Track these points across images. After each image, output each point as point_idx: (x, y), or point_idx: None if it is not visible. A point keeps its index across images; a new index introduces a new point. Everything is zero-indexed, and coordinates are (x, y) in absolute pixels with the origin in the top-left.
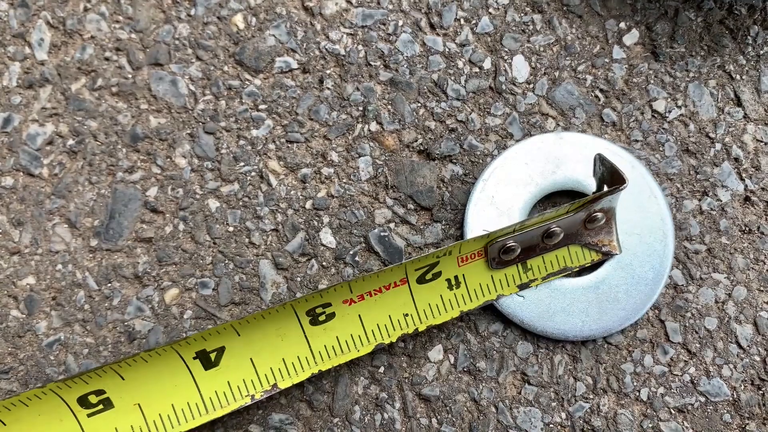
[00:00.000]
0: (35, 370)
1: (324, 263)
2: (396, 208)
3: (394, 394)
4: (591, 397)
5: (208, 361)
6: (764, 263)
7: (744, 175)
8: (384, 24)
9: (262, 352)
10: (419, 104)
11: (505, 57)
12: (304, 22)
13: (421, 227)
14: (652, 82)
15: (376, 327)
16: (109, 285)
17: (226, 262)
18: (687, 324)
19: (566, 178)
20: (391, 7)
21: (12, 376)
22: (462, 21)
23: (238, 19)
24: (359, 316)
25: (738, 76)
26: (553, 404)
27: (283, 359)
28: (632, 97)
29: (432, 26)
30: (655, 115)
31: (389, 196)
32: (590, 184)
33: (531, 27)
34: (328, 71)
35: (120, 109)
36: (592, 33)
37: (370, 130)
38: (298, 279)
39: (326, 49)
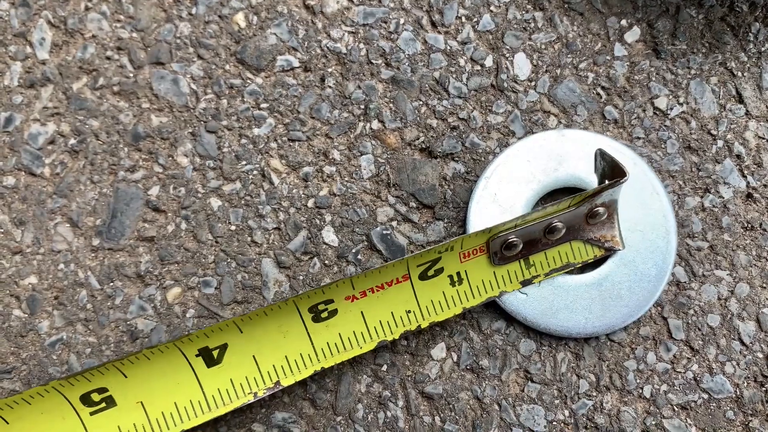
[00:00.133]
0: (38, 369)
1: (326, 262)
2: (398, 206)
3: (397, 392)
4: (594, 394)
5: (210, 358)
6: (767, 260)
7: (746, 171)
8: (385, 22)
9: (264, 349)
10: (421, 102)
11: (507, 55)
12: (306, 21)
13: (424, 225)
14: (653, 79)
15: (379, 324)
16: (112, 284)
17: (229, 260)
18: (690, 321)
19: (568, 176)
20: (392, 5)
21: (15, 376)
22: (463, 19)
23: (240, 18)
24: (362, 312)
25: (739, 73)
26: (556, 402)
27: (285, 356)
28: (634, 95)
29: (433, 24)
30: (657, 113)
31: (391, 195)
32: (592, 181)
33: (532, 24)
34: (329, 69)
35: (121, 108)
36: (593, 30)
37: (371, 129)
38: (301, 277)
39: (328, 48)
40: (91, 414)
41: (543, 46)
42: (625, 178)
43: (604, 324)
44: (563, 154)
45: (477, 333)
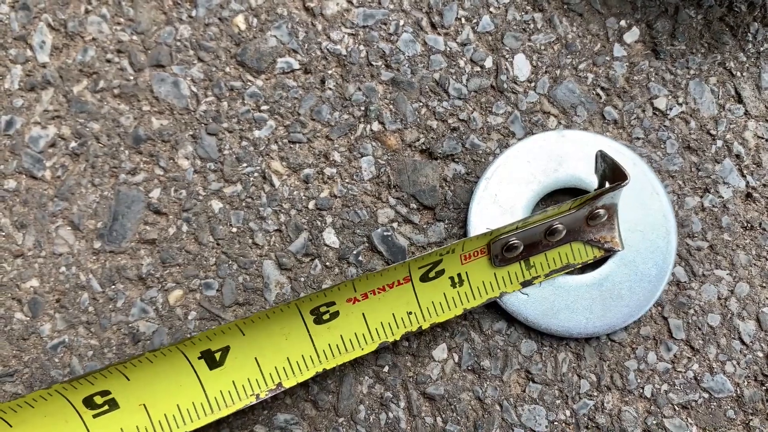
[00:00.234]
0: (40, 372)
1: (327, 263)
2: (399, 207)
3: (398, 394)
4: (595, 394)
5: (212, 360)
6: (766, 259)
7: (745, 171)
8: (385, 24)
9: (266, 351)
10: (421, 104)
11: (507, 56)
12: (306, 23)
13: (424, 226)
14: (653, 79)
15: (380, 325)
16: (113, 287)
17: (230, 263)
18: (690, 321)
19: (568, 176)
20: (392, 6)
21: (17, 379)
22: (463, 20)
23: (240, 20)
24: (363, 314)
25: (738, 73)
26: (558, 402)
27: (287, 358)
28: (633, 95)
29: (433, 26)
30: (657, 113)
31: (392, 196)
32: (592, 182)
33: (532, 26)
34: (329, 71)
35: (122, 111)
36: (592, 31)
37: (372, 130)
38: (302, 279)
39: (328, 50)
40: (94, 417)
41: (542, 47)
42: (627, 181)
43: (605, 324)
44: (563, 154)
45: (478, 334)
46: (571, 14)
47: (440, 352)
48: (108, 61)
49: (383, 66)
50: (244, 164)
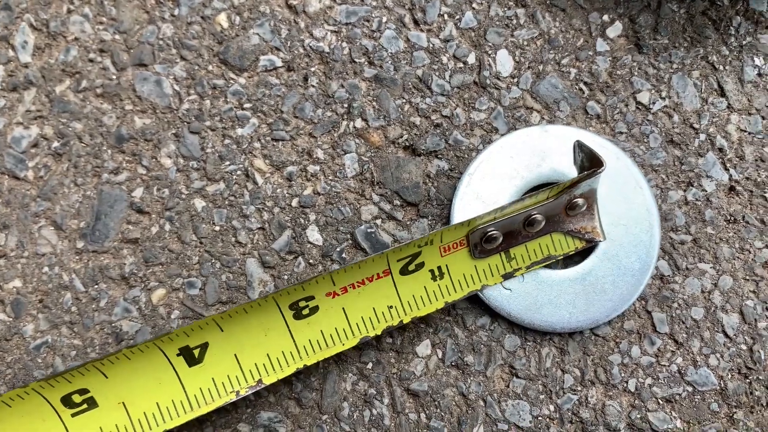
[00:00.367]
0: (23, 373)
1: (311, 261)
2: (382, 204)
3: (382, 390)
4: (579, 389)
5: (191, 357)
6: (749, 252)
7: (728, 165)
8: (368, 21)
9: (245, 347)
10: (404, 100)
11: (489, 52)
12: (288, 20)
13: (408, 223)
14: (635, 74)
15: (361, 320)
16: (96, 286)
17: (213, 261)
18: (674, 314)
19: (552, 171)
20: (374, 3)
21: None
22: (446, 16)
23: (222, 19)
24: (343, 309)
25: (721, 67)
26: (542, 397)
27: (267, 354)
28: (616, 90)
29: (416, 22)
30: (640, 107)
31: (375, 193)
32: (575, 176)
33: (514, 21)
34: (312, 69)
35: (105, 111)
36: (575, 26)
37: (355, 127)
38: (285, 277)
39: (310, 47)
40: (73, 415)
41: (525, 43)
42: (602, 168)
43: (589, 318)
44: (546, 149)
45: (462, 329)
46: (554, 9)
47: (424, 348)
48: (90, 60)
49: (366, 63)
50: (227, 162)
